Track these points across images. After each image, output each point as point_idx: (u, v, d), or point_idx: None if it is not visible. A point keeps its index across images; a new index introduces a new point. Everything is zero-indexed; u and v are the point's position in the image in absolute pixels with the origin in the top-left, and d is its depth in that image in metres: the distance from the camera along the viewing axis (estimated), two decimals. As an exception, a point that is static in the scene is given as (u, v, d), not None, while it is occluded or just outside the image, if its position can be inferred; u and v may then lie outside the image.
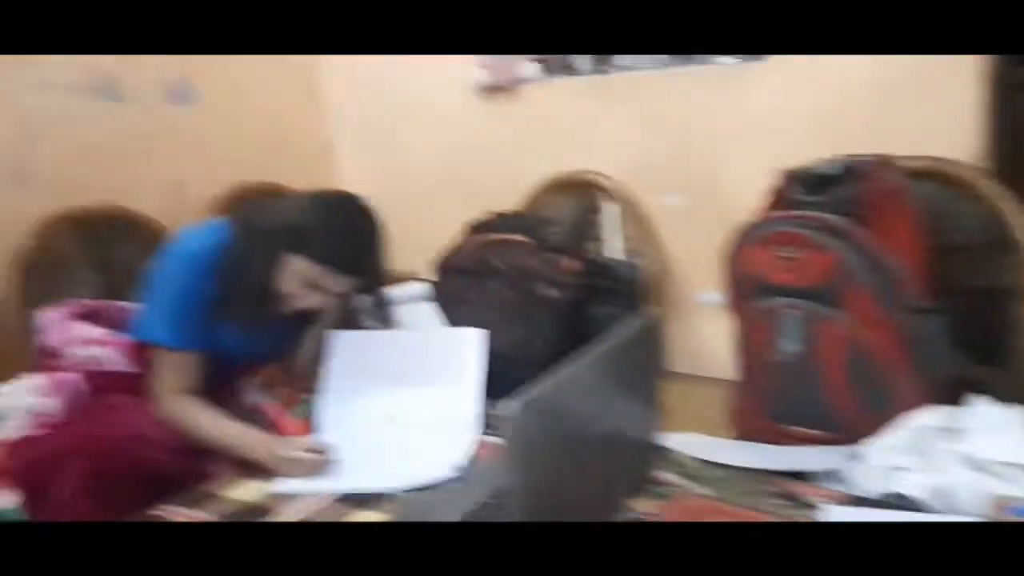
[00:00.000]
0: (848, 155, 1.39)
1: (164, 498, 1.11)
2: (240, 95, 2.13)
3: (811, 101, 1.59)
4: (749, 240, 1.37)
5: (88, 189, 1.74)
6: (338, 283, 1.27)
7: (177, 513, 1.07)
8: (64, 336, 1.36)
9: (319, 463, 1.16)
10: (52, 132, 1.70)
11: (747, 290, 1.38)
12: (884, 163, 1.35)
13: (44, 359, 1.38)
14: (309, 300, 1.28)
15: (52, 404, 1.27)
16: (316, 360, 1.42)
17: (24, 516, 1.17)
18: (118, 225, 1.77)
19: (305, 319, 1.40)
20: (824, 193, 1.34)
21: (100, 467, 1.10)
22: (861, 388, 1.28)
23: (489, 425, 1.30)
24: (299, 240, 1.23)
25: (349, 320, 1.47)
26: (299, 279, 1.25)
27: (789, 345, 1.29)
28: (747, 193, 1.66)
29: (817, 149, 1.46)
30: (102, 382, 1.32)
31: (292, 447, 1.17)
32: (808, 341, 1.29)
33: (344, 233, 1.26)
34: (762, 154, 1.66)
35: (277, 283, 1.25)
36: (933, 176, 1.44)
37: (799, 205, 1.36)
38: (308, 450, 1.17)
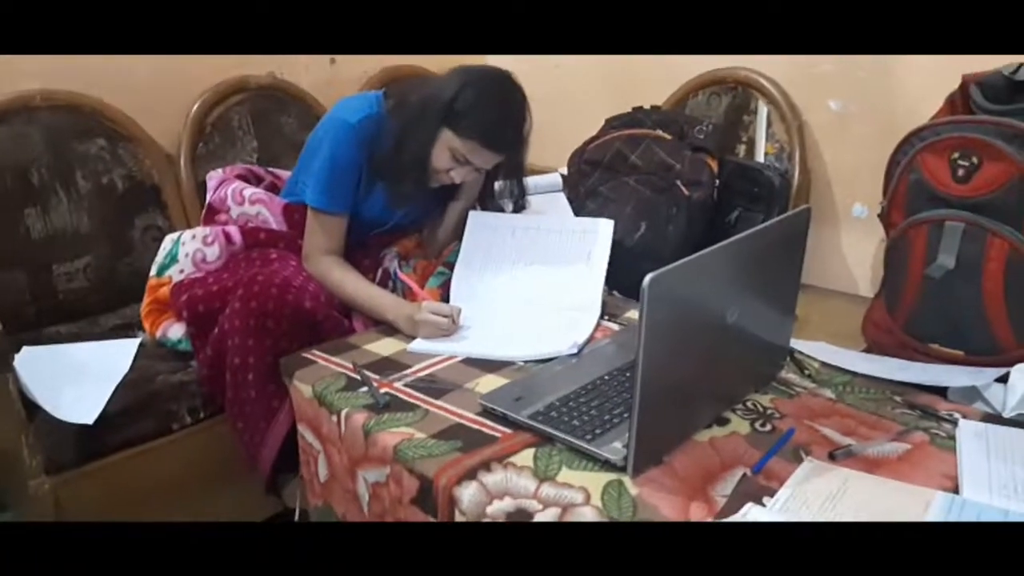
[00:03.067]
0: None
1: (312, 343, 1.22)
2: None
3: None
4: (922, 145, 1.26)
5: (252, 64, 1.84)
6: (485, 158, 1.31)
7: (322, 357, 1.17)
8: (226, 193, 1.49)
9: (446, 326, 1.22)
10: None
11: (912, 199, 1.28)
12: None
13: (210, 213, 1.52)
14: (456, 174, 1.32)
15: (214, 252, 1.40)
16: (453, 235, 1.48)
17: (190, 347, 1.32)
18: (279, 97, 1.87)
19: (448, 194, 1.45)
20: (1012, 102, 1.21)
21: (259, 306, 1.20)
22: (1019, 310, 1.18)
23: (609, 312, 1.33)
24: (452, 114, 1.26)
25: (487, 200, 1.51)
26: (450, 153, 1.29)
27: (945, 259, 1.20)
28: (919, 106, 1.53)
29: (1000, 58, 1.31)
30: (257, 237, 1.44)
31: (422, 311, 1.24)
32: (969, 256, 1.19)
33: (495, 109, 1.28)
34: (940, 61, 1.51)
35: (429, 156, 1.30)
36: None
37: (981, 114, 1.23)
38: (436, 313, 1.23)
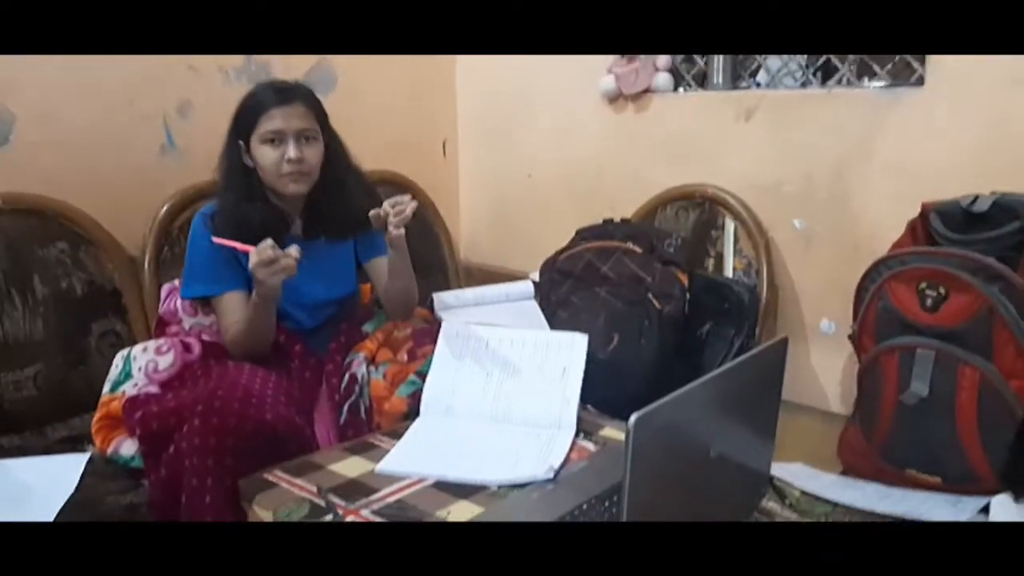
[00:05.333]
0: (1001, 192, 1.30)
1: (273, 462, 1.16)
2: (374, 86, 2.20)
3: (962, 135, 1.49)
4: (890, 273, 1.30)
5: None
6: (286, 115, 1.37)
7: (284, 479, 1.11)
8: (176, 305, 1.49)
9: (270, 255, 1.23)
10: (203, 112, 1.81)
11: (881, 324, 1.31)
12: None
13: (160, 326, 1.51)
14: (289, 154, 1.37)
15: (167, 361, 1.37)
16: (398, 287, 1.49)
17: (142, 464, 1.25)
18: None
19: (353, 251, 1.54)
20: (972, 231, 1.26)
21: (220, 423, 1.15)
22: (993, 440, 1.19)
23: (584, 429, 1.30)
24: (239, 123, 1.41)
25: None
26: (262, 145, 1.38)
27: (919, 387, 1.21)
28: (879, 226, 1.60)
29: (965, 186, 1.38)
30: (214, 348, 1.41)
31: (252, 255, 1.25)
32: (941, 385, 1.21)
33: (262, 84, 1.44)
34: (901, 187, 1.58)
35: (247, 165, 1.41)
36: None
37: (944, 242, 1.28)
38: (264, 248, 1.24)
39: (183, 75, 1.81)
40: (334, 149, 1.49)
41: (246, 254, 1.27)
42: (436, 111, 2.42)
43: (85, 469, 1.25)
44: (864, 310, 1.33)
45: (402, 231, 1.35)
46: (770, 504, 1.09)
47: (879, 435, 1.31)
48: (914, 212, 1.41)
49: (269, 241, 1.25)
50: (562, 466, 1.17)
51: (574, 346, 1.39)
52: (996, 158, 1.45)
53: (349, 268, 1.58)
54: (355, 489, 1.09)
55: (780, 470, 1.17)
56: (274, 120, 1.37)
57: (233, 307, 1.40)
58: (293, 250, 1.26)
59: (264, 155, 1.39)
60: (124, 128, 1.72)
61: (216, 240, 1.31)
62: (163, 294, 1.56)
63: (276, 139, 1.38)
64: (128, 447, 1.28)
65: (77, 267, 1.56)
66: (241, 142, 1.41)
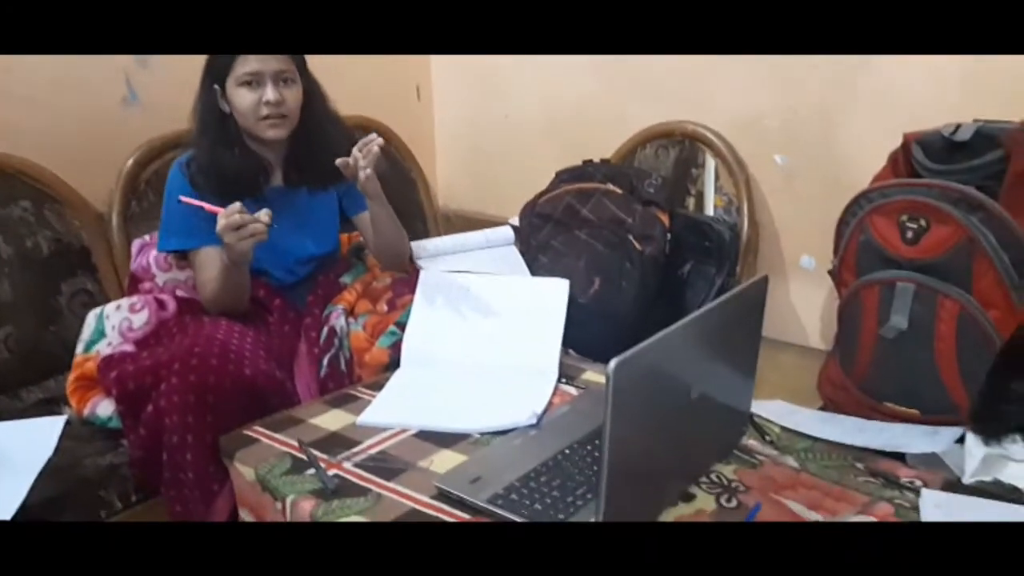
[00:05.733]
0: (983, 120, 1.28)
1: (253, 418, 1.15)
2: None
3: (944, 64, 1.46)
4: (871, 207, 1.28)
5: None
6: (265, 62, 1.32)
7: (265, 435, 1.10)
8: (149, 260, 1.46)
9: (238, 220, 1.19)
10: (164, 62, 1.74)
11: (862, 259, 1.30)
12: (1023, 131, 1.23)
13: (133, 283, 1.47)
14: (267, 97, 1.33)
15: (142, 319, 1.34)
16: (385, 239, 1.47)
17: (120, 424, 1.24)
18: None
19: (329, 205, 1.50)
20: (953, 161, 1.24)
21: (198, 380, 1.13)
22: (972, 371, 1.20)
23: (565, 374, 1.29)
24: (214, 68, 1.35)
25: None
26: (239, 88, 1.33)
27: (898, 320, 1.21)
28: (862, 161, 1.57)
29: (947, 117, 1.35)
30: (189, 304, 1.38)
31: (220, 218, 1.20)
32: (921, 317, 1.21)
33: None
34: (884, 120, 1.55)
35: (224, 110, 1.36)
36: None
37: (925, 173, 1.26)
38: (231, 213, 1.19)
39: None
40: (313, 93, 1.44)
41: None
42: (408, 56, 2.34)
43: (63, 431, 1.24)
44: (845, 245, 1.32)
45: (374, 178, 1.31)
46: (750, 442, 1.09)
47: (859, 369, 1.31)
48: (897, 144, 1.39)
49: (237, 205, 1.20)
50: (545, 411, 1.17)
51: (555, 292, 1.38)
52: (978, 85, 1.43)
53: (332, 222, 1.54)
54: (336, 442, 1.09)
55: (760, 407, 1.17)
56: (250, 62, 1.32)
57: (210, 262, 1.35)
58: (263, 214, 1.21)
59: (241, 98, 1.34)
60: (83, 81, 1.65)
61: (183, 199, 1.27)
62: (134, 250, 1.52)
63: (253, 81, 1.33)
64: (105, 407, 1.26)
65: (42, 225, 1.51)
66: (216, 86, 1.36)
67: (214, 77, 1.36)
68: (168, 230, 1.39)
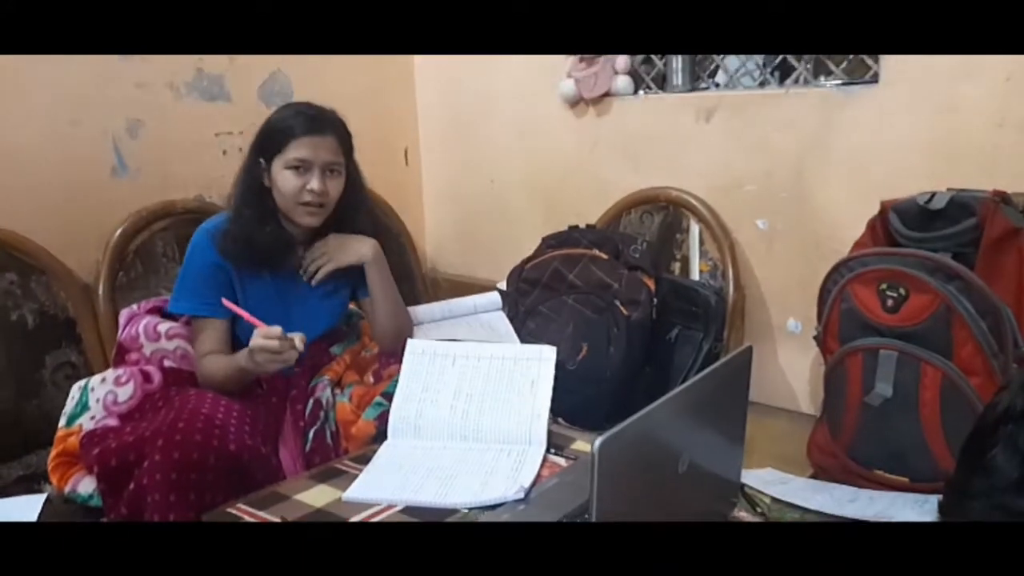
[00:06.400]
0: (957, 189, 1.31)
1: (237, 494, 1.13)
2: (332, 98, 2.17)
3: (917, 131, 1.50)
4: (851, 275, 1.31)
5: (183, 186, 1.79)
6: (316, 144, 1.35)
7: (249, 513, 1.08)
8: (138, 330, 1.43)
9: (277, 346, 1.19)
10: (153, 132, 1.76)
11: (845, 326, 1.31)
12: (997, 199, 1.26)
13: (120, 354, 1.45)
14: (312, 184, 1.35)
15: (127, 392, 1.33)
16: (390, 321, 1.49)
17: (101, 503, 1.21)
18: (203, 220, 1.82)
19: (341, 285, 1.50)
20: (930, 229, 1.27)
21: (181, 457, 1.12)
22: (957, 438, 1.19)
23: (554, 444, 1.28)
24: (266, 141, 1.37)
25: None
26: (286, 170, 1.35)
27: (883, 387, 1.22)
28: (840, 224, 1.61)
29: (921, 182, 1.39)
30: (176, 375, 1.37)
31: (254, 338, 1.21)
32: (905, 384, 1.22)
33: (293, 107, 1.41)
34: (860, 184, 1.59)
35: (267, 189, 1.38)
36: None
37: (903, 240, 1.29)
38: (267, 337, 1.20)
39: (130, 93, 1.76)
40: (353, 180, 1.46)
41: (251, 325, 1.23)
42: (396, 120, 2.39)
43: (42, 510, 1.21)
44: (828, 312, 1.34)
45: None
46: (741, 514, 1.08)
47: (846, 436, 1.32)
48: (873, 207, 1.42)
49: (278, 330, 1.20)
50: (533, 484, 1.15)
51: (542, 359, 1.37)
52: (950, 153, 1.47)
53: (343, 303, 1.54)
54: (322, 519, 1.07)
55: (750, 476, 1.17)
56: (303, 148, 1.34)
57: (215, 336, 1.36)
58: (298, 341, 1.21)
59: (286, 180, 1.35)
60: (70, 151, 1.67)
61: (226, 303, 1.28)
62: (122, 320, 1.50)
63: (302, 167, 1.35)
64: (86, 485, 1.24)
65: (28, 297, 1.51)
66: (263, 160, 1.37)
67: (263, 152, 1.38)
68: (183, 290, 1.39)
